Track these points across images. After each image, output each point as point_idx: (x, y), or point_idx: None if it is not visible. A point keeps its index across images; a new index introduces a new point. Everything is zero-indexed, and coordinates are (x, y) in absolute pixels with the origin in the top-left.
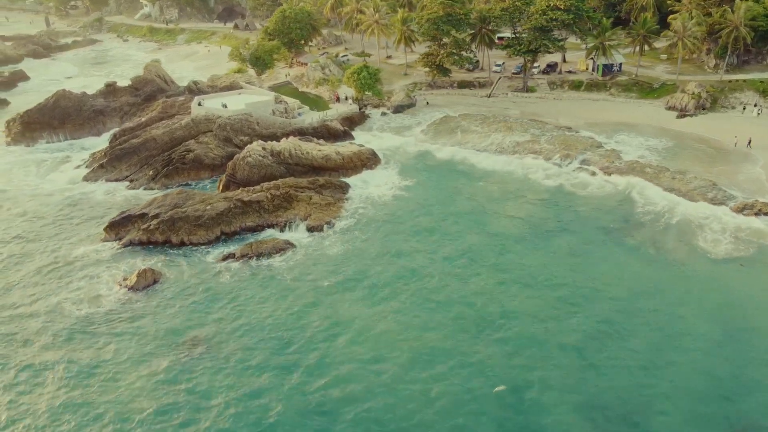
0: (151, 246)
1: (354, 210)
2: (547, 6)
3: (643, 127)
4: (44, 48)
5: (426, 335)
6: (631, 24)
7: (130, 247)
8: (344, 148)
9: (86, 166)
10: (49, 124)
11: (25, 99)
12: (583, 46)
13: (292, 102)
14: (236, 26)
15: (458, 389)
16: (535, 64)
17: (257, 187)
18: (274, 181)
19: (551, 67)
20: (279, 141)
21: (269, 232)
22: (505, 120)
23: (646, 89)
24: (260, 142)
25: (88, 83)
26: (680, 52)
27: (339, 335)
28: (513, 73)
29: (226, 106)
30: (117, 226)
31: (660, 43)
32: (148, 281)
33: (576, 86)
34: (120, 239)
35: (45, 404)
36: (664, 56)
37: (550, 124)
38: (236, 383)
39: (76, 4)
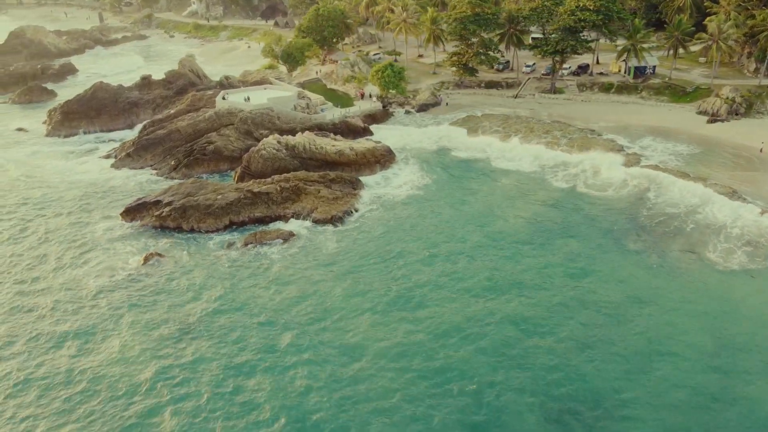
0: (163, 230)
1: (362, 206)
2: (576, 6)
3: (670, 132)
4: (95, 42)
5: (402, 330)
6: (665, 26)
7: (143, 230)
8: (359, 144)
9: (115, 155)
10: (86, 114)
11: (71, 91)
12: (618, 47)
13: (316, 98)
14: (276, 24)
15: (424, 385)
16: (566, 66)
17: (268, 179)
18: (285, 174)
19: (582, 69)
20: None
21: (276, 223)
22: (527, 121)
23: (679, 93)
24: (276, 135)
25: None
26: (714, 55)
27: (319, 322)
28: (543, 74)
29: (248, 100)
30: (132, 212)
31: (696, 46)
32: (153, 263)
33: (606, 88)
34: (136, 222)
35: (53, 365)
36: (702, 59)
37: (574, 127)
38: (215, 359)
39: (130, 1)
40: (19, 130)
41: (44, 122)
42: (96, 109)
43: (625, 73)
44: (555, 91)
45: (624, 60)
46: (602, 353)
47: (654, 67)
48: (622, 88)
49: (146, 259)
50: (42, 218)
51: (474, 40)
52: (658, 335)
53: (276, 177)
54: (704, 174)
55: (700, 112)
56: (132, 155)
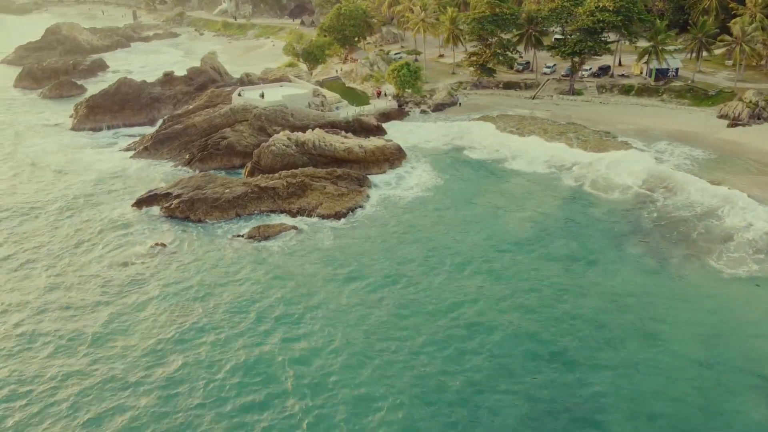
0: (171, 220)
1: (368, 204)
2: (595, 7)
3: (688, 135)
4: (127, 39)
5: (389, 327)
6: (688, 27)
7: (152, 221)
8: (368, 141)
9: (134, 149)
10: (110, 108)
11: (100, 87)
12: (638, 49)
13: (332, 96)
14: (302, 22)
15: (406, 381)
16: (587, 67)
17: (275, 175)
18: (293, 170)
19: (603, 71)
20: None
21: (281, 217)
22: (542, 122)
23: (701, 96)
24: (286, 132)
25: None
26: (737, 58)
27: (306, 315)
28: (562, 76)
29: (263, 97)
30: (143, 203)
31: (720, 49)
32: (157, 251)
33: (626, 91)
34: (146, 213)
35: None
36: (729, 62)
37: (589, 129)
38: (204, 342)
39: (164, 0)
40: (55, 125)
41: (71, 116)
42: (119, 104)
43: (646, 75)
44: (573, 92)
45: (646, 62)
46: (587, 358)
47: (677, 69)
48: (643, 91)
49: (151, 248)
50: (57, 206)
51: (492, 40)
52: (647, 342)
53: (283, 172)
54: (717, 178)
55: (720, 116)
56: (149, 149)
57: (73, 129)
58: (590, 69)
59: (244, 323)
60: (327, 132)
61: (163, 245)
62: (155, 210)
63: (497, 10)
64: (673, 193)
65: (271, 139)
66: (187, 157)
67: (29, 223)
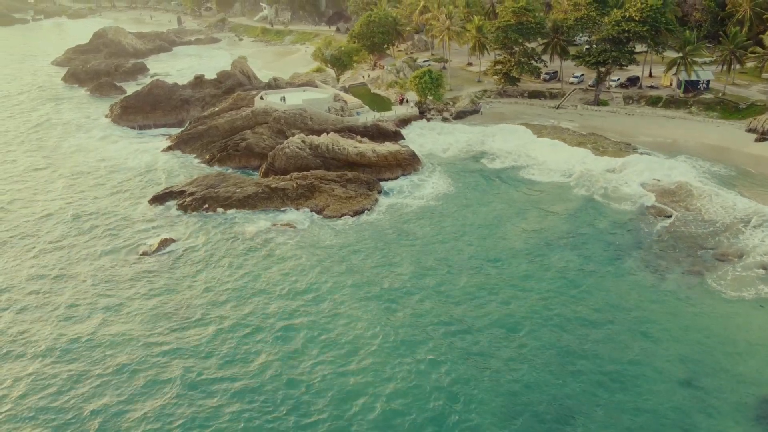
0: (184, 215)
1: (375, 207)
2: (621, 17)
3: (712, 148)
4: (169, 44)
5: (363, 328)
6: (720, 39)
7: (165, 216)
8: (382, 146)
9: (161, 147)
10: (142, 109)
11: (138, 89)
12: (664, 60)
13: (353, 101)
14: (338, 29)
15: (392, 388)
16: (614, 78)
17: (287, 176)
18: (304, 172)
19: (632, 81)
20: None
21: (288, 216)
22: (562, 132)
23: (731, 109)
24: (301, 135)
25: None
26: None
27: (296, 311)
28: (589, 86)
29: (284, 101)
30: (159, 199)
31: (752, 62)
32: (167, 245)
33: (653, 102)
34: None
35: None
36: (766, 75)
37: (610, 140)
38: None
39: (209, 6)
40: (91, 123)
41: (106, 115)
42: (151, 105)
43: (677, 87)
44: (598, 102)
45: (675, 73)
46: (569, 371)
47: (708, 81)
48: (671, 103)
49: (161, 243)
50: (80, 198)
51: (516, 49)
52: (630, 356)
53: (294, 174)
54: (735, 193)
55: (749, 130)
56: (173, 148)
57: (106, 127)
58: (618, 80)
59: (239, 313)
60: (342, 136)
61: (173, 240)
62: (170, 206)
63: (522, 19)
64: (686, 206)
65: (285, 142)
66: (207, 156)
67: (48, 213)
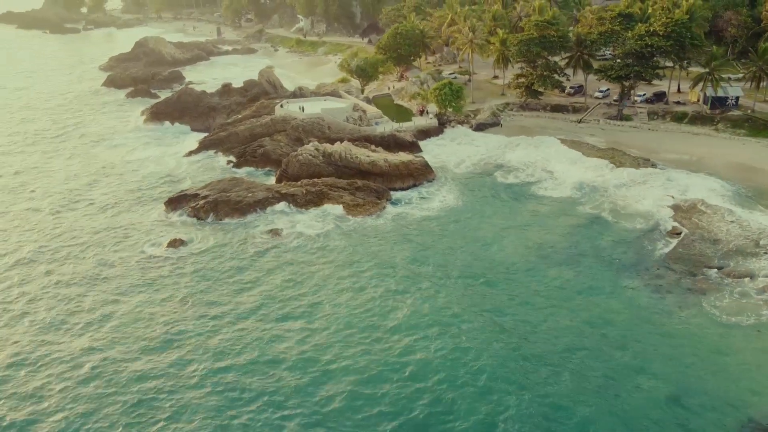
0: (196, 219)
1: (382, 215)
2: (645, 31)
3: (736, 166)
4: (207, 53)
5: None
6: (749, 54)
7: (179, 218)
8: (394, 156)
9: (184, 153)
10: (171, 114)
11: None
12: (689, 75)
13: (374, 111)
14: (370, 41)
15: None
16: (640, 93)
17: (297, 183)
18: (314, 179)
19: (658, 97)
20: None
21: (295, 219)
22: (581, 146)
23: (759, 127)
24: (315, 143)
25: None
26: None
27: (291, 313)
28: (614, 101)
29: (303, 110)
30: (174, 202)
31: None
32: (176, 246)
33: (678, 118)
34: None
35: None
36: None
37: (629, 155)
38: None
39: (250, 18)
40: (123, 126)
41: (138, 120)
42: (180, 111)
43: (703, 103)
44: (622, 117)
45: (702, 89)
46: (547, 380)
47: (737, 98)
48: (696, 119)
49: (170, 244)
50: (100, 194)
51: (538, 62)
52: (616, 374)
53: (305, 181)
54: (751, 212)
55: None
56: (196, 152)
57: (136, 131)
58: (644, 95)
59: (243, 308)
60: (357, 145)
61: (182, 241)
62: (184, 208)
63: (545, 32)
64: (698, 224)
65: (299, 149)
66: (226, 161)
67: (69, 209)
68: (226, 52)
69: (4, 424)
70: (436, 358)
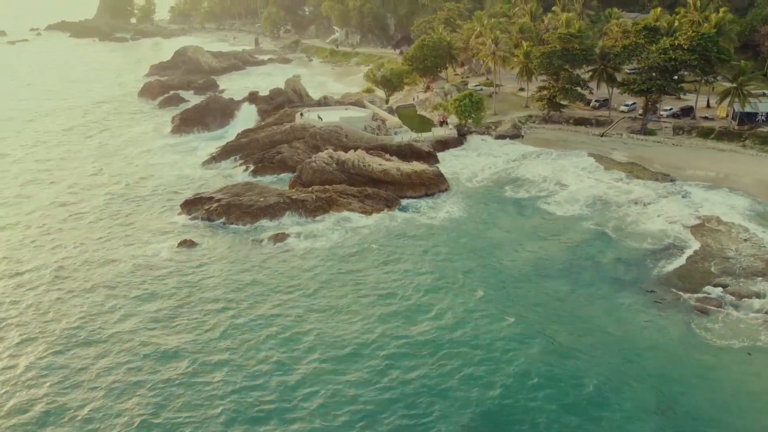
0: (209, 221)
1: (388, 223)
2: (670, 45)
3: (759, 183)
4: (243, 63)
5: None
6: None
7: (192, 220)
8: (407, 165)
9: (206, 158)
10: (199, 121)
11: None
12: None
13: (393, 121)
14: (401, 52)
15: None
16: (667, 107)
17: (309, 189)
18: (326, 186)
19: (685, 112)
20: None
21: (303, 226)
22: (600, 160)
23: None
24: (329, 150)
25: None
26: None
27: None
28: (639, 115)
29: (321, 119)
30: (190, 204)
31: None
32: (187, 247)
33: (704, 134)
34: (190, 213)
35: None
36: None
37: (649, 170)
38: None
39: (288, 28)
40: (154, 131)
41: (168, 126)
42: (207, 117)
43: (732, 119)
44: (646, 132)
45: (729, 104)
46: (534, 394)
47: (767, 114)
48: (723, 135)
49: (181, 244)
50: (121, 194)
51: (561, 75)
52: (601, 387)
53: (316, 187)
54: (765, 233)
55: None
56: (217, 158)
57: (165, 136)
58: (671, 109)
59: (244, 310)
60: (371, 154)
61: (193, 242)
62: (199, 210)
63: (568, 45)
64: (709, 241)
65: (313, 156)
66: (245, 167)
67: (88, 208)
68: (262, 62)
69: (10, 422)
70: (427, 373)
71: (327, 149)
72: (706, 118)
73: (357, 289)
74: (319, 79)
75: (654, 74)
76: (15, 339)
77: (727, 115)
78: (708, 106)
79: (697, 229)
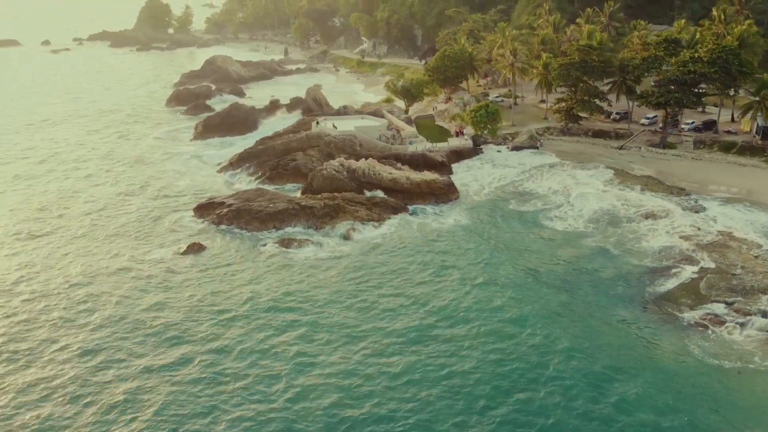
0: (219, 226)
1: (394, 231)
2: (690, 58)
3: None
4: (271, 72)
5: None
6: None
7: (203, 224)
8: (417, 174)
9: (223, 164)
10: (220, 128)
11: None
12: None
13: (409, 131)
14: (426, 63)
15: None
16: (688, 121)
17: (318, 196)
18: (334, 193)
19: (707, 125)
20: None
21: (310, 233)
22: (614, 172)
23: None
24: (341, 158)
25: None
26: None
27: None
28: (660, 128)
29: (335, 127)
30: (202, 208)
31: None
32: (195, 250)
33: (726, 148)
34: (202, 217)
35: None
36: None
37: (664, 184)
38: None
39: (318, 39)
40: (179, 138)
41: (191, 132)
42: (229, 125)
43: (756, 133)
44: (665, 145)
45: (752, 118)
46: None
47: None
48: (745, 149)
49: (189, 247)
50: (136, 197)
51: (579, 86)
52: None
53: (325, 194)
54: None
55: None
56: (233, 164)
57: (188, 143)
58: (693, 122)
59: (246, 314)
60: (383, 162)
61: (201, 246)
62: (210, 215)
63: (587, 57)
64: (718, 258)
65: (324, 164)
66: (259, 174)
67: (104, 210)
68: (290, 72)
69: (14, 423)
70: (421, 377)
71: (340, 157)
72: (729, 132)
73: (360, 297)
74: (346, 88)
75: (672, 87)
76: (24, 345)
77: (750, 130)
78: (732, 120)
79: (707, 245)
